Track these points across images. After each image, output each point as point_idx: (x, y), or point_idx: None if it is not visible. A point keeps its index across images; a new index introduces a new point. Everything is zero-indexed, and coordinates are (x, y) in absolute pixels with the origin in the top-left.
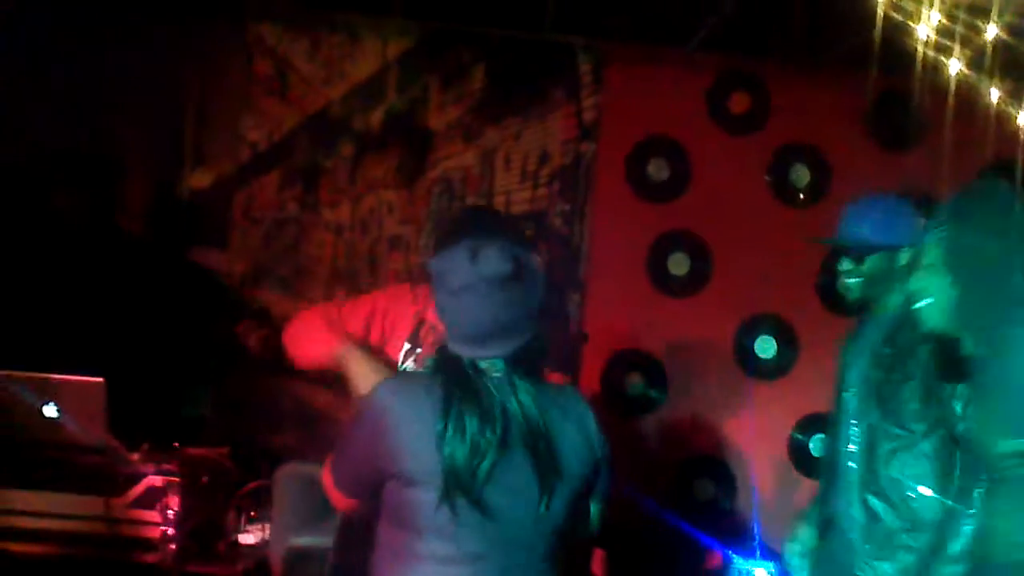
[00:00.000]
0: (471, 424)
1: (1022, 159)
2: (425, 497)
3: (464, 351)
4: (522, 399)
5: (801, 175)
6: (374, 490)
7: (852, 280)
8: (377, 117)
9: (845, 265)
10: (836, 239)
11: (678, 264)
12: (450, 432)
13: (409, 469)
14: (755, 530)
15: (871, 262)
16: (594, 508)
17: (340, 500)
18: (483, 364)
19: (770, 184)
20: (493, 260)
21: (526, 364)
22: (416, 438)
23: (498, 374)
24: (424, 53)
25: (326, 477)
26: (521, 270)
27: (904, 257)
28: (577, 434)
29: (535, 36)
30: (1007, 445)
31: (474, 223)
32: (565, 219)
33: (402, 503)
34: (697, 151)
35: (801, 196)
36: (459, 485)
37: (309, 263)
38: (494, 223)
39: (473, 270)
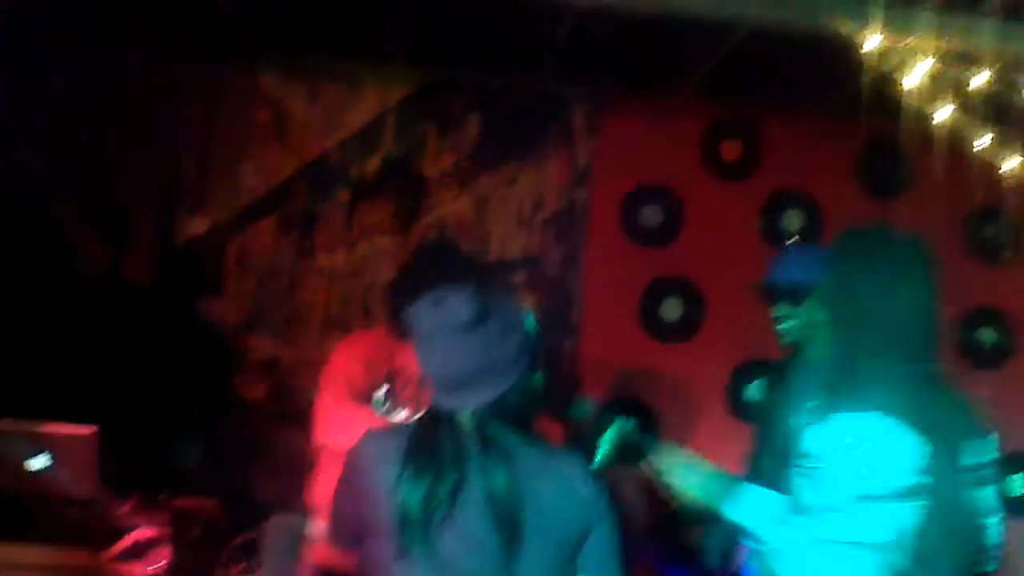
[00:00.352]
0: (427, 476)
1: (1006, 205)
2: (385, 547)
3: (438, 400)
4: (493, 452)
5: (793, 221)
6: (359, 542)
7: (785, 325)
8: (373, 164)
9: (781, 310)
10: (772, 283)
11: (671, 309)
12: (405, 480)
13: (372, 518)
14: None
15: (809, 306)
16: None
17: (331, 554)
18: (461, 415)
19: (762, 230)
20: (455, 307)
21: (505, 415)
22: (378, 487)
23: (470, 424)
24: (421, 100)
25: (327, 531)
26: (486, 316)
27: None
28: (561, 496)
29: (531, 84)
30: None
31: (436, 265)
32: (559, 264)
33: (370, 556)
34: (690, 197)
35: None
36: (410, 533)
37: (303, 309)
38: (455, 263)
39: (436, 317)
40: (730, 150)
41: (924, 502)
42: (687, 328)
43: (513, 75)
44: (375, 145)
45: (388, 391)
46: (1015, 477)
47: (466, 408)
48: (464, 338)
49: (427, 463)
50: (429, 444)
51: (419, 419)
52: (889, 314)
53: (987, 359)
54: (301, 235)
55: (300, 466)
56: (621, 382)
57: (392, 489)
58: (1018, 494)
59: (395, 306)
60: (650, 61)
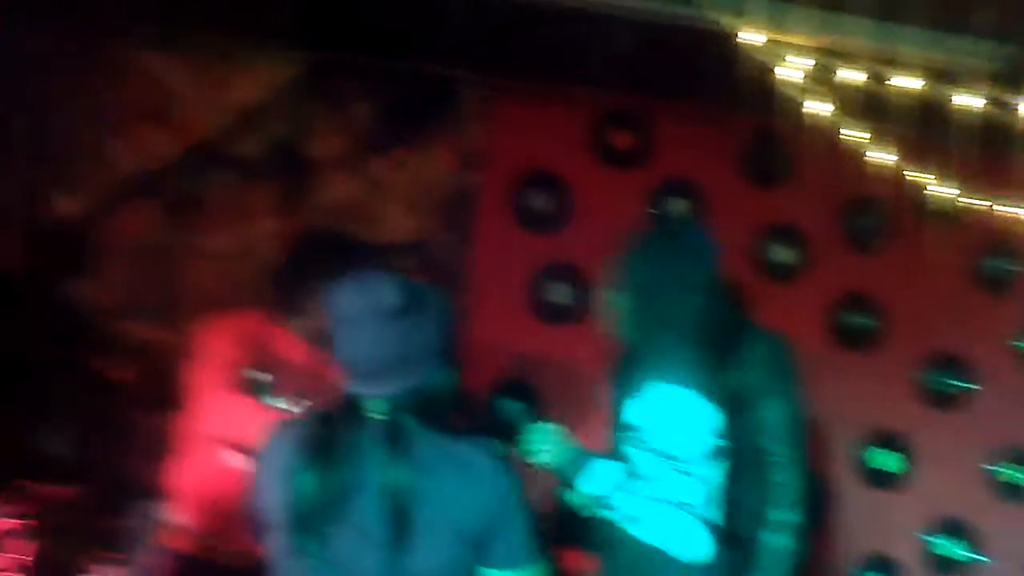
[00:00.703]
0: (325, 470)
1: (879, 192)
2: (281, 542)
3: (351, 387)
4: (398, 445)
5: (680, 209)
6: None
7: None
8: (260, 145)
9: None
10: None
11: (560, 295)
12: (301, 474)
13: (271, 515)
14: None
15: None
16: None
17: (191, 541)
18: (372, 404)
19: (652, 218)
20: (384, 291)
21: (420, 406)
22: (274, 481)
23: (381, 414)
24: (309, 82)
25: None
26: (413, 302)
27: None
28: (463, 489)
29: (422, 68)
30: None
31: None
32: (449, 249)
33: (271, 551)
34: (580, 185)
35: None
36: (304, 533)
37: (186, 293)
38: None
39: (363, 301)
40: (620, 139)
41: (726, 463)
42: (576, 313)
43: (404, 58)
44: (262, 126)
45: (274, 379)
46: (882, 453)
47: (381, 396)
48: (390, 324)
49: (323, 454)
50: (328, 434)
51: (325, 407)
52: (682, 299)
53: (857, 342)
54: (184, 217)
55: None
56: (510, 366)
57: (286, 482)
58: (882, 468)
59: (295, 287)
60: (540, 48)
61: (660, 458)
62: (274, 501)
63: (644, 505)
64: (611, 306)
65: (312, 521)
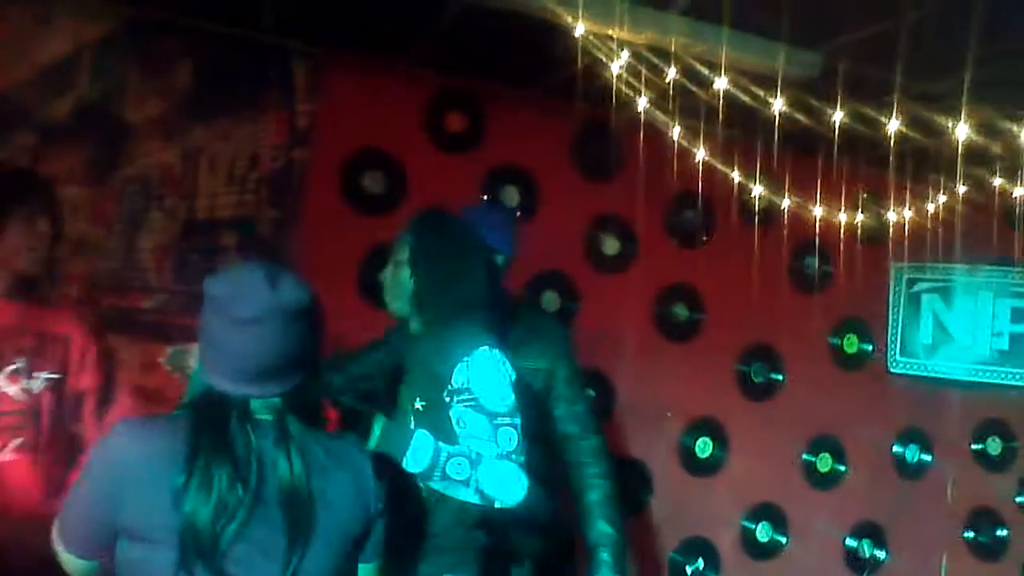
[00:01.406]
0: (220, 478)
1: (701, 190)
2: (159, 557)
3: (235, 388)
4: (291, 448)
5: (512, 196)
6: (107, 548)
7: None
8: (65, 106)
9: None
10: None
11: None
12: (193, 487)
13: (141, 525)
14: None
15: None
16: (364, 569)
17: (72, 563)
18: (255, 404)
19: (484, 203)
20: (292, 288)
21: (302, 404)
22: (150, 489)
23: (269, 417)
24: (123, 40)
25: (55, 534)
26: (316, 301)
27: (498, 258)
28: (350, 489)
29: (248, 35)
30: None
31: None
32: (274, 227)
33: (134, 564)
34: (413, 166)
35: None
36: (197, 548)
37: None
38: None
39: (271, 299)
40: (454, 121)
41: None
42: None
43: (229, 23)
44: (68, 85)
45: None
46: (701, 440)
47: (268, 397)
48: (294, 324)
49: (219, 463)
50: (219, 439)
51: (197, 409)
52: (464, 276)
53: (679, 333)
54: None
55: None
56: (338, 350)
57: (168, 494)
58: (703, 456)
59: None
60: (372, 22)
61: (485, 415)
62: (151, 515)
63: (468, 468)
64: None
65: (209, 537)
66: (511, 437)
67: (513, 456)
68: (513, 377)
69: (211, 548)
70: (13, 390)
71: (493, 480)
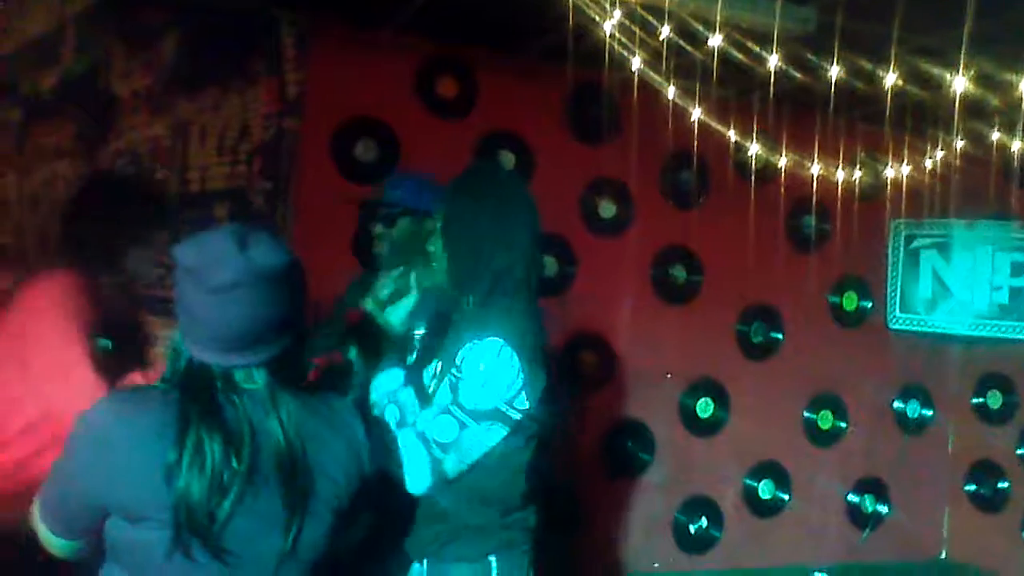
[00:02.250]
0: (213, 452)
1: (697, 150)
2: (152, 536)
3: (217, 359)
4: (282, 416)
5: (506, 162)
6: (94, 529)
7: (385, 241)
8: (51, 80)
9: (377, 228)
10: (372, 199)
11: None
12: (186, 462)
13: (132, 503)
14: None
15: (401, 226)
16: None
17: (54, 542)
18: (239, 374)
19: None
20: (266, 251)
21: (289, 370)
22: (141, 467)
23: (256, 385)
24: (108, 12)
25: (35, 514)
26: (293, 262)
27: (429, 224)
28: (344, 451)
29: (235, 5)
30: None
31: None
32: (267, 197)
33: (126, 543)
34: (405, 133)
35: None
36: (192, 525)
37: None
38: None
39: (244, 263)
40: (445, 87)
41: (506, 429)
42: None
43: None
44: (53, 58)
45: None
46: (702, 401)
47: (253, 365)
48: (275, 286)
49: (210, 436)
50: (208, 412)
51: (182, 382)
52: (501, 250)
53: (678, 295)
54: None
55: None
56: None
57: (160, 470)
58: (704, 416)
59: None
60: None
61: (448, 397)
62: (143, 493)
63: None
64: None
65: (205, 513)
66: (451, 430)
67: (432, 445)
68: (521, 381)
69: (207, 524)
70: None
71: (404, 451)
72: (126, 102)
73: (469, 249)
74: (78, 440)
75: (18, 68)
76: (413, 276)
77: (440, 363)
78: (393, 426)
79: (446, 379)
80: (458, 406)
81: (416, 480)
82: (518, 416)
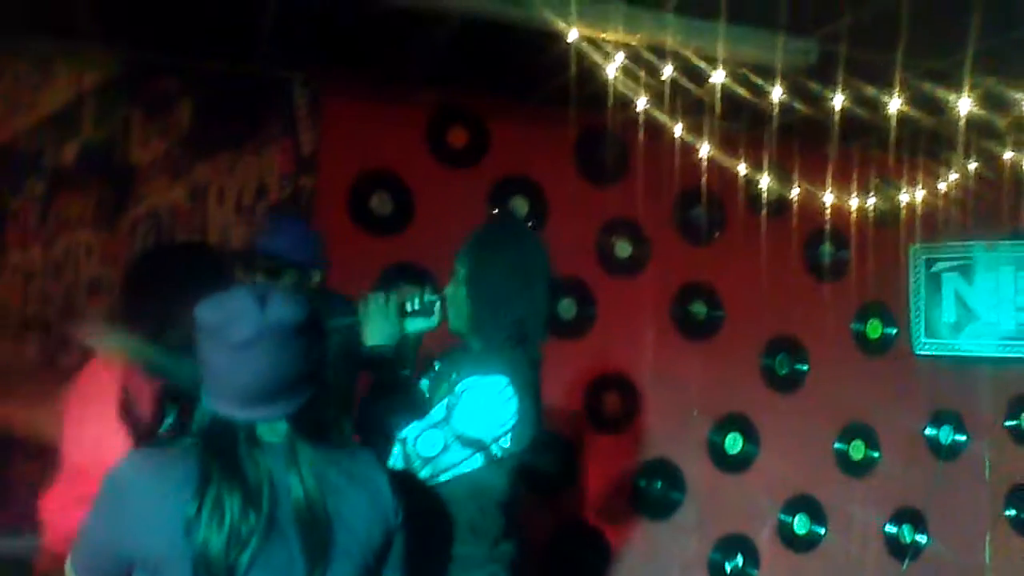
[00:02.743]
0: (232, 506)
1: (708, 186)
2: None
3: (239, 413)
4: (302, 470)
5: (520, 207)
6: None
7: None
8: (71, 151)
9: (259, 278)
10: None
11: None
12: (205, 516)
13: (154, 556)
14: None
15: (286, 279)
16: None
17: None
18: (261, 428)
19: (493, 214)
20: (283, 307)
21: (311, 424)
22: (162, 520)
23: (278, 439)
24: (124, 83)
25: (68, 568)
26: (311, 316)
27: (316, 275)
28: (368, 505)
29: (246, 69)
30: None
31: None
32: None
33: None
34: (419, 185)
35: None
36: (210, 571)
37: None
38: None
39: (262, 319)
40: (456, 137)
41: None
42: (423, 315)
43: (223, 58)
44: (72, 130)
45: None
46: (731, 436)
47: (274, 419)
48: (293, 342)
49: (230, 490)
50: (229, 466)
51: (205, 437)
52: (521, 303)
53: (699, 331)
54: None
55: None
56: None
57: (180, 523)
58: (733, 452)
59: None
60: (366, 47)
61: (442, 410)
62: (163, 545)
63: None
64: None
65: (220, 563)
66: (435, 446)
67: (413, 456)
68: (512, 422)
69: (224, 572)
70: None
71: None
72: (145, 169)
73: (493, 300)
74: (104, 494)
75: (39, 142)
76: (438, 306)
77: (444, 386)
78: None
79: (445, 400)
80: (448, 426)
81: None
82: (499, 454)
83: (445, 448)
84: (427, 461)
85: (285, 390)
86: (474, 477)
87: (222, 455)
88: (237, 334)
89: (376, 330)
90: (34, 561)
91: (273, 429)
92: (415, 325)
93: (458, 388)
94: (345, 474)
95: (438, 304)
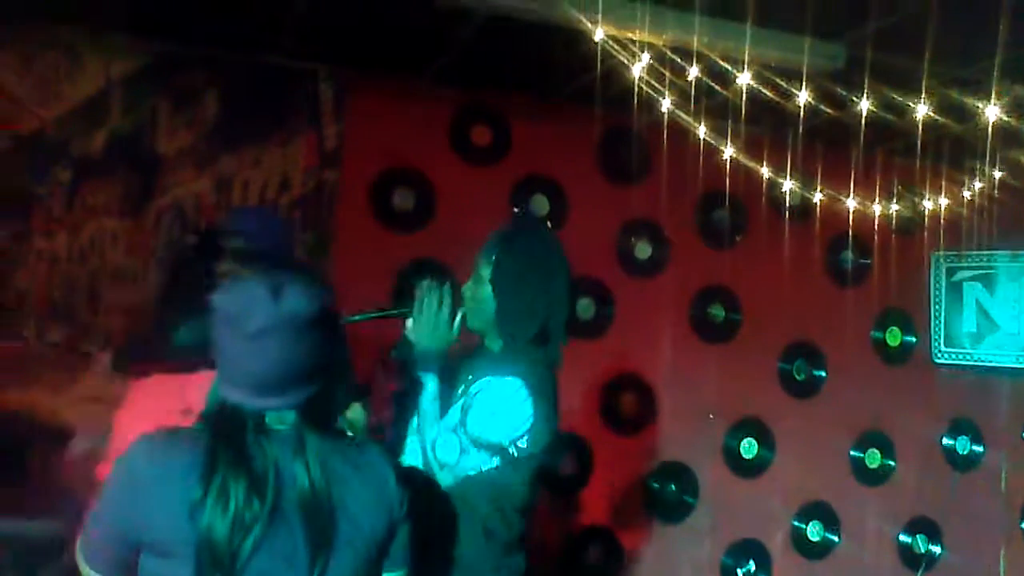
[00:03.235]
0: (237, 492)
1: (730, 189)
2: (178, 572)
3: (250, 401)
4: (309, 459)
5: (541, 205)
6: (129, 565)
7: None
8: (99, 141)
9: (226, 266)
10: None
11: None
12: (210, 501)
13: (160, 539)
14: None
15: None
16: None
17: None
18: (271, 416)
19: (514, 214)
20: (298, 298)
21: (319, 415)
22: (168, 504)
23: (286, 427)
24: (152, 74)
25: (78, 554)
26: (325, 309)
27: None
28: (373, 496)
29: (273, 62)
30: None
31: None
32: (308, 249)
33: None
34: (441, 181)
35: (548, 224)
36: (215, 562)
37: (19, 298)
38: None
39: (276, 310)
40: (479, 135)
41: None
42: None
43: (251, 51)
44: (100, 120)
45: None
46: (746, 441)
47: (283, 408)
48: (306, 333)
49: (235, 477)
50: (236, 454)
51: (214, 423)
52: (543, 304)
53: (717, 334)
54: (15, 218)
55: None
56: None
57: (186, 507)
58: (748, 456)
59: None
60: (394, 42)
61: (457, 418)
62: (169, 529)
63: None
64: (472, 301)
65: (227, 551)
66: (453, 451)
67: (434, 459)
68: (529, 423)
69: (228, 562)
70: None
71: (408, 450)
72: (171, 159)
73: (517, 300)
74: (114, 479)
75: (67, 130)
76: (458, 320)
77: (460, 388)
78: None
79: (459, 402)
80: (464, 431)
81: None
82: (517, 455)
83: (463, 452)
84: (448, 467)
85: (296, 380)
86: (492, 477)
87: (229, 442)
88: (252, 323)
89: (427, 332)
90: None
91: (281, 418)
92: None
93: (472, 389)
94: (351, 465)
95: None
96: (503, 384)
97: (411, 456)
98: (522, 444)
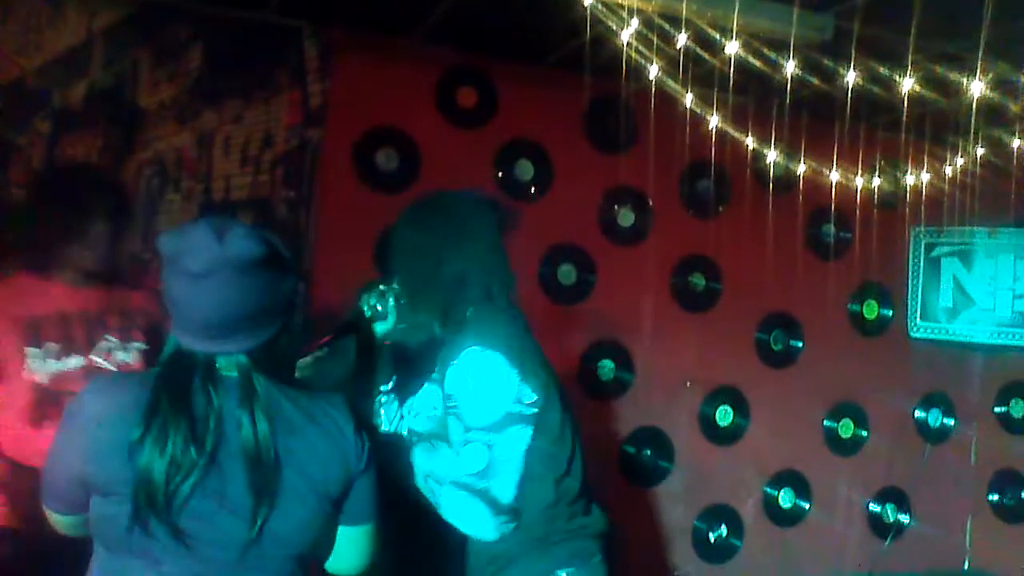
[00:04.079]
0: (175, 436)
1: (715, 159)
2: (118, 510)
3: (198, 345)
4: (255, 406)
5: (526, 170)
6: (84, 502)
7: None
8: (79, 92)
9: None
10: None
11: None
12: (148, 442)
13: (102, 478)
14: None
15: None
16: (350, 531)
17: (56, 519)
18: (221, 362)
19: (498, 178)
20: (242, 240)
21: (271, 361)
22: (110, 443)
23: (235, 374)
24: (134, 26)
25: (43, 492)
26: (272, 253)
27: None
28: (327, 447)
29: (258, 17)
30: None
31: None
32: (290, 207)
33: (98, 516)
34: (426, 143)
35: (532, 191)
36: (150, 502)
37: None
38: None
39: (219, 252)
40: (465, 97)
41: (529, 428)
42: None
43: (236, 6)
44: (81, 71)
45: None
46: (722, 409)
47: (230, 355)
48: (250, 276)
49: (175, 420)
50: (178, 397)
51: (163, 367)
52: (458, 263)
53: (697, 303)
54: None
55: None
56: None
57: (128, 448)
58: (723, 424)
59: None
60: (379, 1)
61: (461, 426)
62: (109, 468)
63: (436, 488)
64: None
65: (163, 493)
66: (480, 455)
67: (474, 481)
68: (516, 374)
69: (164, 502)
70: (109, 364)
71: (454, 511)
72: (152, 113)
73: (416, 265)
74: (67, 418)
75: (47, 81)
76: (391, 305)
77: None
78: (436, 489)
79: (449, 415)
80: (472, 430)
81: (481, 528)
82: (533, 410)
83: (490, 448)
84: (484, 473)
85: (243, 324)
86: (541, 449)
87: (174, 385)
88: (195, 264)
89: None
90: None
91: (231, 363)
92: (380, 329)
93: (447, 391)
94: (304, 413)
95: (391, 303)
96: (464, 361)
97: (460, 504)
98: (527, 397)
